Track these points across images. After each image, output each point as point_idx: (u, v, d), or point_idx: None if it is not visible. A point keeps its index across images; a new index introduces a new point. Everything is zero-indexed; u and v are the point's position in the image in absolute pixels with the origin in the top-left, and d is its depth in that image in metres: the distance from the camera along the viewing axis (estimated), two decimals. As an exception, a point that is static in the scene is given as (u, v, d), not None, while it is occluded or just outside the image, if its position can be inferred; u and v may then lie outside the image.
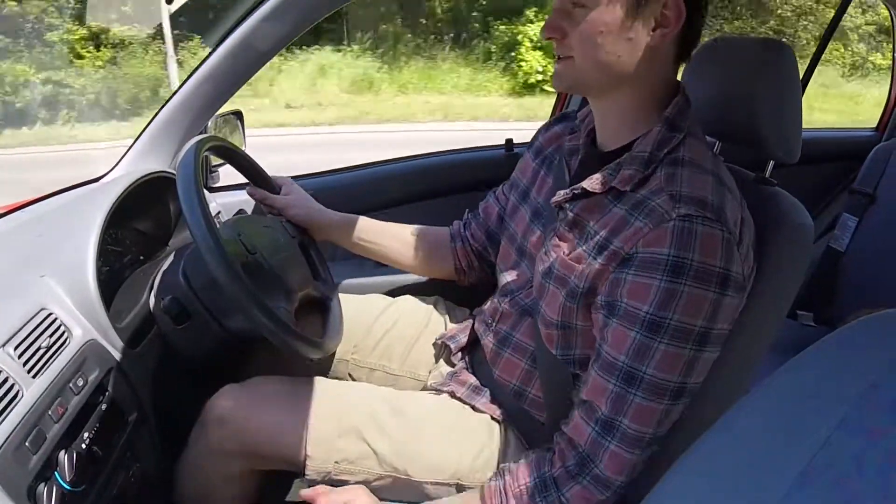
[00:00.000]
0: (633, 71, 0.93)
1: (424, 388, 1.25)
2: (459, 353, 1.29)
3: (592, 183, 0.96)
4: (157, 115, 1.38)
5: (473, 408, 1.15)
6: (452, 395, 1.18)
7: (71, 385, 0.91)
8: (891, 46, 2.43)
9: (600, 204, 0.96)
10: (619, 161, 0.96)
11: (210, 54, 1.34)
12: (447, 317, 1.41)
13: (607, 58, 0.91)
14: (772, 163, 1.12)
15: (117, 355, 1.04)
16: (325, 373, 1.32)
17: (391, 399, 1.16)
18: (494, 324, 1.18)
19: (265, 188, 1.35)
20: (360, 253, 1.39)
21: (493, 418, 1.14)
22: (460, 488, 1.08)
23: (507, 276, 1.17)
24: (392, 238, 1.39)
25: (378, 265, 1.80)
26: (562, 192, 1.01)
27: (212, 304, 1.11)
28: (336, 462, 1.08)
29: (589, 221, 0.97)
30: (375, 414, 1.12)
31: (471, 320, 1.32)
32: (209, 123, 1.45)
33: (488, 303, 1.24)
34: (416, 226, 1.42)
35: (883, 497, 0.49)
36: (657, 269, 0.86)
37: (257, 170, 1.35)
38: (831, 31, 2.22)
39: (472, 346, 1.29)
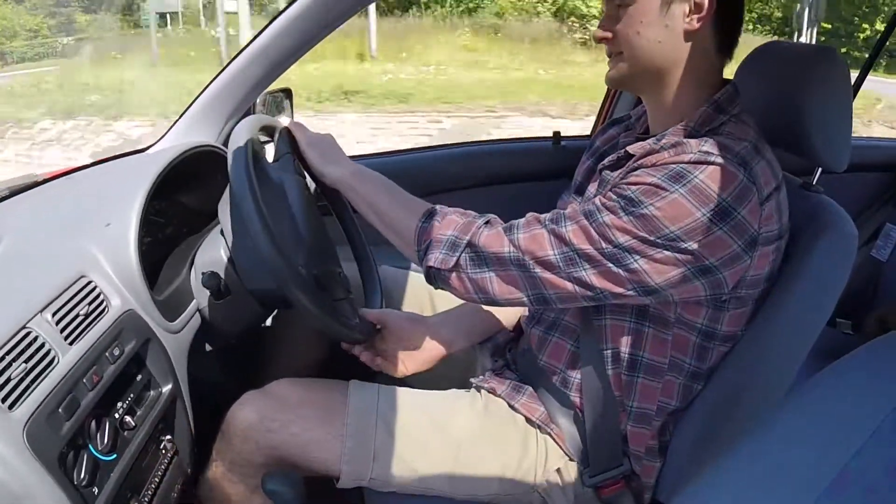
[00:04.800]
0: (674, 56, 0.98)
1: (463, 386, 1.20)
2: (503, 349, 1.27)
3: (635, 147, 1.01)
4: (205, 89, 1.37)
5: (513, 408, 1.12)
6: (493, 392, 1.14)
7: (107, 354, 0.91)
8: None
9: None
10: (664, 132, 1.00)
11: (262, 31, 1.32)
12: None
13: (649, 45, 0.97)
14: (819, 170, 1.09)
15: (155, 327, 1.03)
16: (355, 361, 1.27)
17: (431, 409, 1.13)
18: (540, 312, 1.16)
19: None
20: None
21: (531, 422, 1.11)
22: (496, 502, 1.08)
23: None
24: None
25: None
26: (608, 158, 1.07)
27: (251, 281, 1.10)
28: (372, 478, 1.07)
29: None
30: (415, 430, 1.09)
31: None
32: (258, 100, 1.44)
33: None
34: None
35: None
36: (658, 170, 0.90)
37: None
38: (885, 39, 2.17)
39: (516, 341, 1.27)
